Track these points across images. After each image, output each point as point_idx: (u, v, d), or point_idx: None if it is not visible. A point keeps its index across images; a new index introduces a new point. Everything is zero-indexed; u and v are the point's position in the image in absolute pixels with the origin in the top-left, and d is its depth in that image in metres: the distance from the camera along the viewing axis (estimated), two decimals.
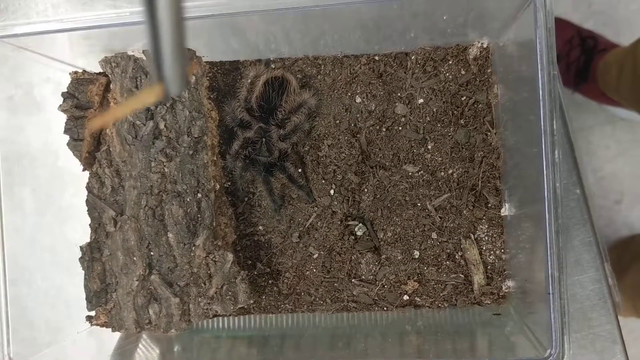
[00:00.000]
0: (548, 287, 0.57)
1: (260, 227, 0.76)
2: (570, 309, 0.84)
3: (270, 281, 0.75)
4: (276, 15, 0.66)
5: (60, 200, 0.89)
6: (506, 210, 0.71)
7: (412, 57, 0.74)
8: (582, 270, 0.85)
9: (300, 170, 0.74)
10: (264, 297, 0.76)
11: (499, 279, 0.72)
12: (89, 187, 0.74)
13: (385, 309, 0.73)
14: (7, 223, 0.77)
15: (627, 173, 1.82)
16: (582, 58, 1.72)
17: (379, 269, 0.73)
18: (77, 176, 0.78)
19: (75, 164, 0.78)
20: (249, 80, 0.74)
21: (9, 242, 0.77)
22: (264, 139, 0.73)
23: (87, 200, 0.74)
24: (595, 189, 1.83)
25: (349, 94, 0.74)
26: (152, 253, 0.72)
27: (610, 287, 0.86)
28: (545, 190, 0.56)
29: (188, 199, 0.71)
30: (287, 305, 0.75)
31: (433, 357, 0.60)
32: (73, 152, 0.74)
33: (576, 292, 0.85)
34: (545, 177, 0.57)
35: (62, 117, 0.76)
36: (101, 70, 0.74)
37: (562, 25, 1.75)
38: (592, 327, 0.85)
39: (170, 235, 0.71)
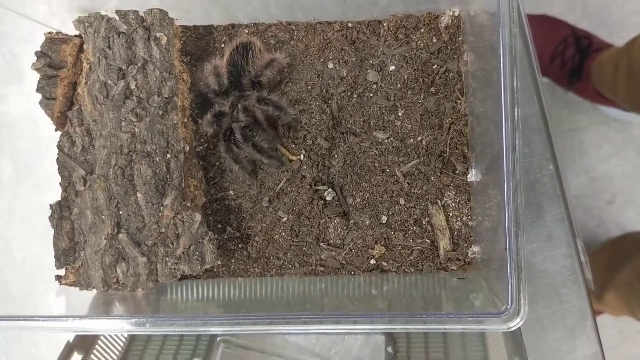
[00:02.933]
0: (505, 242, 0.57)
1: (231, 192, 0.77)
2: (541, 282, 0.85)
3: (239, 245, 0.76)
4: None
5: (38, 170, 0.90)
6: (473, 176, 0.72)
7: (385, 25, 0.74)
8: (554, 245, 0.86)
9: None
10: (233, 261, 0.76)
11: (465, 245, 0.72)
12: (59, 146, 0.74)
13: (352, 273, 0.73)
14: None
15: (619, 173, 1.83)
16: (577, 57, 1.73)
17: (347, 233, 0.73)
18: (55, 146, 0.78)
19: (56, 135, 0.78)
20: (212, 67, 0.74)
21: None
22: (238, 105, 0.73)
23: (57, 159, 0.74)
24: (587, 189, 1.84)
25: (322, 60, 0.75)
26: (120, 212, 0.72)
27: (582, 264, 0.86)
28: (504, 146, 0.57)
29: (157, 159, 0.71)
30: (256, 269, 0.75)
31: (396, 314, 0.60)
32: (45, 111, 0.74)
33: (547, 268, 0.86)
34: (504, 133, 0.57)
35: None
36: (76, 32, 0.75)
37: (557, 25, 1.76)
38: (563, 303, 0.85)
39: (139, 195, 0.71)
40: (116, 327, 0.61)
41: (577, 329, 0.85)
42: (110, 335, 0.83)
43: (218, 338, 0.84)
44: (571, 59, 1.73)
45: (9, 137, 0.93)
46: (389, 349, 0.80)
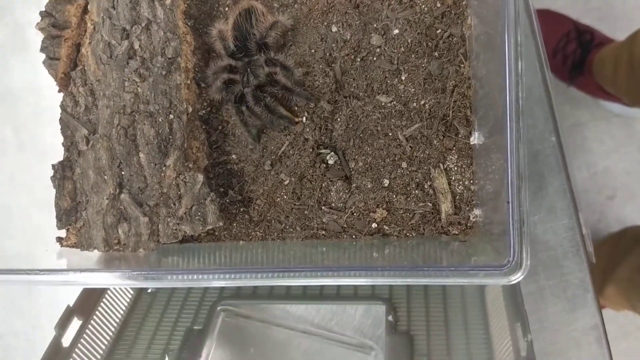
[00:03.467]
0: (507, 195, 0.57)
1: (234, 156, 0.77)
2: (542, 254, 0.85)
3: (241, 209, 0.76)
4: None
5: (41, 140, 0.90)
6: (475, 140, 0.71)
7: None
8: (556, 217, 0.86)
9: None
10: (234, 224, 0.76)
11: (467, 208, 0.72)
12: (62, 106, 0.74)
13: (353, 236, 0.73)
14: None
15: (620, 169, 1.83)
16: (579, 51, 1.73)
17: (349, 197, 0.73)
18: (58, 115, 0.78)
19: (58, 103, 0.78)
20: (217, 31, 0.74)
21: None
22: (248, 69, 0.73)
23: (60, 119, 0.74)
24: (589, 185, 1.84)
25: (325, 24, 0.75)
26: (123, 172, 0.72)
27: (583, 236, 0.86)
28: (508, 96, 0.57)
29: (160, 120, 0.71)
30: (257, 232, 0.75)
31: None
32: (48, 71, 0.74)
33: (549, 239, 0.86)
34: (508, 84, 0.57)
35: None
36: None
37: (559, 20, 1.77)
38: (564, 275, 0.85)
39: (141, 155, 0.71)
40: (117, 281, 0.61)
41: (578, 301, 0.84)
42: (110, 303, 0.83)
43: (218, 307, 0.85)
44: (573, 54, 1.74)
45: (12, 106, 0.93)
46: (390, 318, 0.80)
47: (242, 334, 0.83)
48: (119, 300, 0.85)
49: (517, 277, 0.56)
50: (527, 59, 0.86)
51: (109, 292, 0.83)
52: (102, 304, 0.82)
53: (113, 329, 0.82)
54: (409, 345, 0.75)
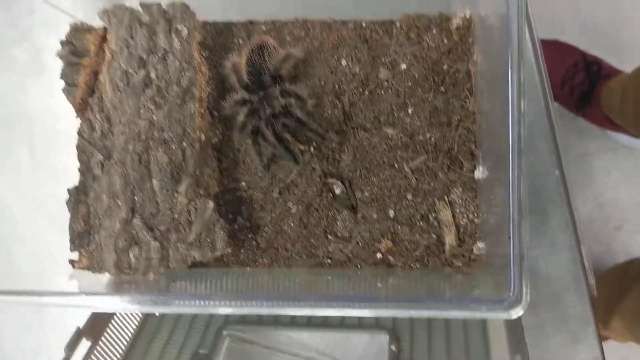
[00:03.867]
0: (508, 231, 0.58)
1: (243, 183, 0.78)
2: (544, 287, 0.86)
3: (249, 235, 0.77)
4: None
5: (56, 161, 0.92)
6: (479, 174, 0.73)
7: (397, 24, 0.77)
8: (558, 251, 0.87)
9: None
10: (242, 250, 0.77)
11: (471, 241, 0.73)
12: (79, 132, 0.76)
13: (358, 266, 0.75)
14: (1, 180, 0.79)
15: (627, 200, 1.84)
16: (586, 82, 1.75)
17: (355, 226, 0.75)
18: (74, 138, 0.80)
19: (74, 128, 0.80)
20: (231, 65, 0.76)
21: (1, 199, 0.79)
22: (264, 102, 0.75)
23: (77, 145, 0.77)
24: (596, 215, 1.84)
25: (335, 57, 0.77)
26: (136, 197, 0.74)
27: (585, 270, 0.87)
28: (510, 135, 0.58)
29: (174, 147, 0.74)
30: (264, 259, 0.77)
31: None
32: (67, 97, 0.77)
33: (551, 273, 0.86)
34: (510, 122, 0.59)
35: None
36: (100, 24, 0.78)
37: (567, 50, 1.79)
38: (565, 308, 0.86)
39: (154, 181, 0.73)
40: (126, 305, 0.62)
41: (579, 334, 0.85)
42: (118, 325, 0.85)
43: (224, 332, 0.86)
44: (581, 84, 1.75)
45: (29, 128, 0.95)
46: (393, 347, 0.80)
47: (247, 359, 0.84)
48: (127, 322, 0.86)
49: (516, 312, 0.57)
50: (531, 92, 0.88)
51: (117, 314, 0.85)
52: (110, 325, 0.83)
53: (121, 352, 0.83)
54: None
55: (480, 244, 0.73)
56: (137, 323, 0.87)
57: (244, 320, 0.86)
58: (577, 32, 1.86)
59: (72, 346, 0.77)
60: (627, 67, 1.72)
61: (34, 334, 0.93)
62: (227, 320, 0.86)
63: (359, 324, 0.84)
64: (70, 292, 0.65)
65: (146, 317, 0.89)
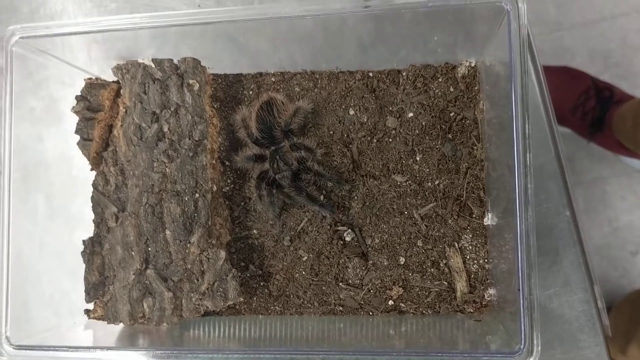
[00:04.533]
0: (518, 283, 0.58)
1: (255, 231, 0.80)
2: (558, 328, 0.86)
3: (261, 283, 0.78)
4: (276, 29, 0.72)
5: (71, 208, 0.94)
6: (489, 220, 0.74)
7: (404, 74, 0.78)
8: (571, 291, 0.86)
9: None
10: (254, 298, 0.78)
11: (482, 287, 0.73)
12: (94, 184, 0.78)
13: (370, 313, 0.75)
14: (18, 226, 0.81)
15: None
16: (598, 108, 1.75)
17: (366, 273, 0.75)
18: (88, 185, 0.82)
19: (89, 175, 0.82)
20: (240, 119, 0.78)
21: (18, 245, 0.80)
22: (277, 157, 0.76)
23: (92, 197, 0.78)
24: (611, 240, 1.83)
25: (343, 107, 0.79)
26: (149, 248, 0.75)
27: (599, 310, 0.86)
28: (516, 189, 0.59)
29: (186, 198, 0.75)
30: (276, 307, 0.77)
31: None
32: (82, 152, 0.79)
33: (565, 313, 0.86)
34: (516, 177, 0.59)
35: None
36: (114, 78, 0.80)
37: (578, 76, 1.79)
38: (580, 349, 0.85)
39: (167, 232, 0.75)
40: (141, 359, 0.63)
41: None
42: None
43: None
44: (592, 110, 1.75)
45: (44, 175, 0.97)
46: None
47: None
48: None
49: None
50: (539, 130, 0.89)
51: None
52: None
53: None
54: None
55: (491, 290, 0.73)
56: None
57: None
58: (587, 59, 1.87)
59: None
60: (639, 92, 1.72)
61: None
62: None
63: None
64: (86, 347, 0.66)
65: None
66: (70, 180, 0.94)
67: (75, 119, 0.81)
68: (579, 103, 1.77)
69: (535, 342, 0.57)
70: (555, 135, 0.89)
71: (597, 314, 0.87)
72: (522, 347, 0.57)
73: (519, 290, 0.58)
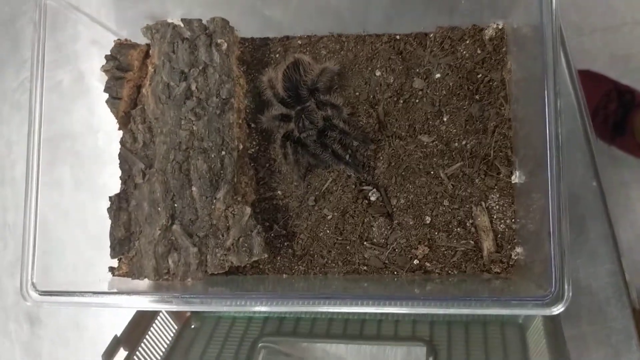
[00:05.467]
0: (548, 226, 0.58)
1: (279, 192, 0.80)
2: (584, 299, 0.84)
3: (285, 243, 0.78)
4: None
5: (97, 179, 0.95)
6: (517, 178, 0.73)
7: (431, 36, 0.78)
8: (598, 262, 0.85)
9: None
10: (278, 258, 0.78)
11: (509, 247, 0.73)
12: (122, 142, 0.79)
13: (395, 272, 0.74)
14: (45, 196, 0.81)
15: None
16: (620, 111, 1.74)
17: (391, 233, 0.75)
18: (113, 158, 0.83)
19: (114, 147, 0.83)
20: (267, 80, 0.79)
21: (43, 215, 0.80)
22: (303, 116, 0.77)
23: (119, 154, 0.79)
24: (634, 244, 1.80)
25: (369, 69, 0.79)
26: (175, 205, 0.76)
27: (626, 282, 0.85)
28: (547, 131, 0.59)
29: (212, 155, 0.75)
30: (300, 266, 0.77)
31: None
32: (110, 109, 0.80)
33: (591, 284, 0.85)
34: (547, 121, 0.59)
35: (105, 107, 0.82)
36: (143, 39, 0.81)
37: (599, 79, 1.78)
38: (607, 321, 0.84)
39: (194, 188, 0.75)
40: (165, 305, 0.63)
41: (621, 348, 0.83)
42: (155, 337, 0.85)
43: (259, 344, 0.86)
44: (614, 114, 1.74)
45: (71, 147, 0.98)
46: (431, 358, 0.79)
47: None
48: (164, 334, 0.87)
49: (558, 308, 0.56)
50: (564, 104, 0.88)
51: (154, 326, 0.86)
52: (147, 337, 0.84)
53: None
54: None
55: (518, 249, 0.72)
56: (172, 335, 0.88)
57: (279, 332, 0.86)
58: (607, 63, 1.86)
59: (109, 353, 0.77)
60: None
61: (70, 348, 0.94)
62: (263, 332, 0.86)
63: (395, 336, 0.83)
64: (109, 292, 0.66)
65: (182, 330, 0.89)
66: (96, 152, 0.95)
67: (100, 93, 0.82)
68: (600, 106, 1.75)
69: (566, 287, 0.57)
70: (582, 105, 0.89)
71: (624, 287, 0.85)
72: (552, 290, 0.56)
73: (549, 233, 0.57)
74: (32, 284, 0.68)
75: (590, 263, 0.85)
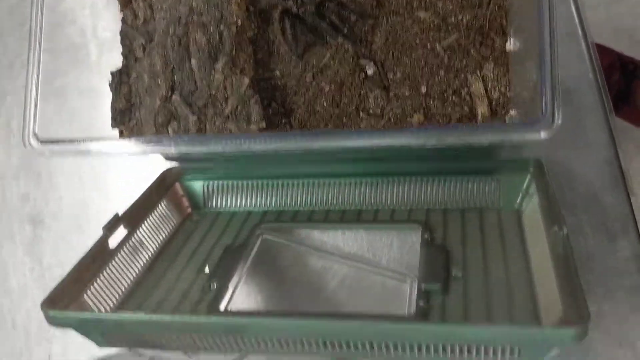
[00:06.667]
0: (539, 50, 0.58)
1: (277, 72, 0.81)
2: (580, 188, 0.85)
3: (283, 120, 0.79)
4: None
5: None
6: (511, 45, 0.74)
7: None
8: (594, 151, 0.86)
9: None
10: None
11: (503, 111, 0.74)
12: (123, 19, 0.81)
13: None
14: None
15: None
16: (622, 81, 1.74)
17: (387, 103, 0.76)
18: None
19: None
20: None
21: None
22: None
23: (120, 31, 0.81)
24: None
25: None
26: (175, 77, 0.77)
27: (622, 171, 0.85)
28: None
29: (211, 29, 0.77)
30: None
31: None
32: None
33: (586, 172, 0.85)
34: None
35: None
36: None
37: (602, 52, 1.79)
38: (604, 208, 0.84)
39: (193, 60, 0.77)
40: (164, 148, 0.64)
41: (618, 232, 0.83)
42: (156, 223, 0.86)
43: (258, 231, 0.87)
44: (617, 84, 1.75)
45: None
46: (426, 236, 0.80)
47: (280, 255, 0.84)
48: (164, 223, 0.88)
49: (550, 132, 0.57)
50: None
51: (154, 214, 0.87)
52: (148, 221, 0.85)
53: (157, 244, 0.85)
54: (444, 255, 0.75)
55: (512, 112, 0.73)
56: (173, 224, 0.89)
57: (279, 218, 0.87)
58: (612, 36, 1.86)
59: (110, 228, 0.78)
60: None
61: (75, 250, 0.95)
62: (263, 219, 0.88)
63: (391, 219, 0.84)
64: (113, 138, 0.67)
65: (184, 221, 0.91)
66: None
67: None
68: (604, 77, 1.76)
69: (556, 111, 0.57)
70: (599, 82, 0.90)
71: (620, 175, 0.86)
72: (543, 114, 0.57)
73: (540, 56, 0.58)
74: (34, 133, 0.69)
75: (585, 152, 0.85)
